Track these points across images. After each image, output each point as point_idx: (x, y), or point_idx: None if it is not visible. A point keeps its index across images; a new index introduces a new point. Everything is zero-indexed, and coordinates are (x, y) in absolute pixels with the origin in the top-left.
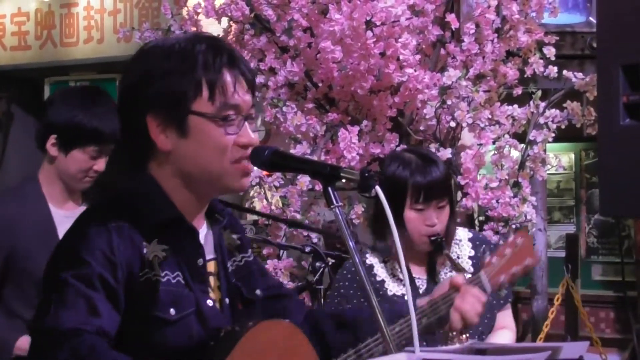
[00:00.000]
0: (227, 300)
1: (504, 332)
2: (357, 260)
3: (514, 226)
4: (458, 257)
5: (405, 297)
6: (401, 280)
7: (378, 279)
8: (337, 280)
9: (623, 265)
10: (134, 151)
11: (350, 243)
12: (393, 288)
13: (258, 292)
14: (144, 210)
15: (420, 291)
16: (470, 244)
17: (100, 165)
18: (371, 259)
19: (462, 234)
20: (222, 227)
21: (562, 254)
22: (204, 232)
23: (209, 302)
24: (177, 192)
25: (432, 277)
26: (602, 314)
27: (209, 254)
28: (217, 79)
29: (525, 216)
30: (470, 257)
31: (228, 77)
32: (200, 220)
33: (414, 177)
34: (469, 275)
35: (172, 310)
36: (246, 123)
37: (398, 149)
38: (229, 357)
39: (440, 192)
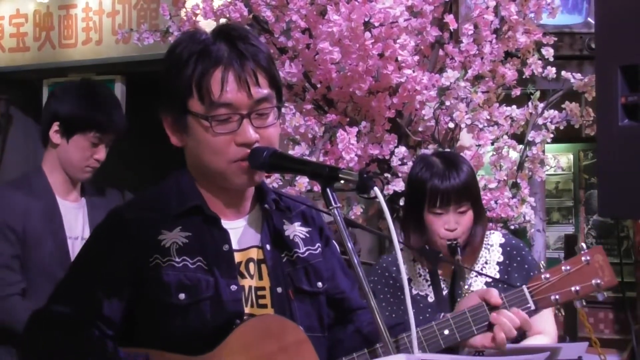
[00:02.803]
0: (279, 289)
1: (540, 338)
2: (356, 262)
3: (512, 227)
4: (486, 262)
5: (429, 298)
6: (427, 281)
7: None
8: (370, 274)
9: (622, 265)
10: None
11: (349, 244)
12: (418, 287)
13: (320, 284)
14: (170, 201)
15: (444, 292)
16: (500, 250)
17: (101, 154)
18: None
19: (496, 238)
20: (285, 218)
21: (561, 254)
22: (244, 221)
23: (233, 287)
24: (203, 183)
25: (456, 279)
26: (601, 315)
27: (251, 241)
28: (203, 79)
29: (524, 217)
30: (498, 263)
31: (218, 76)
32: (241, 208)
33: (431, 181)
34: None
35: (181, 295)
36: (245, 121)
37: (426, 151)
38: (221, 344)
39: (458, 198)
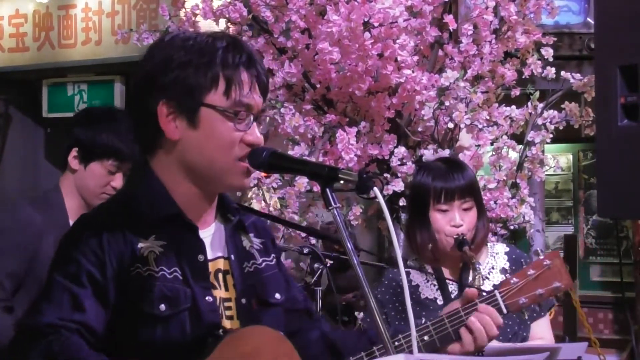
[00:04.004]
0: (243, 300)
1: (540, 343)
2: (355, 262)
3: (512, 227)
4: (493, 268)
5: (438, 301)
6: (435, 285)
7: (413, 283)
8: (378, 287)
9: (621, 266)
10: (142, 139)
11: (349, 244)
12: (427, 292)
13: (277, 296)
14: (143, 208)
15: (453, 295)
16: (506, 257)
17: (118, 181)
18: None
19: (500, 247)
20: (241, 229)
21: (561, 254)
22: (211, 230)
23: (209, 299)
24: (180, 185)
25: (464, 282)
26: (600, 315)
27: (218, 251)
28: (234, 76)
29: (524, 217)
30: (504, 270)
31: (245, 77)
32: (208, 217)
33: (435, 181)
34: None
35: (162, 306)
36: (254, 123)
37: (426, 151)
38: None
39: (462, 193)
